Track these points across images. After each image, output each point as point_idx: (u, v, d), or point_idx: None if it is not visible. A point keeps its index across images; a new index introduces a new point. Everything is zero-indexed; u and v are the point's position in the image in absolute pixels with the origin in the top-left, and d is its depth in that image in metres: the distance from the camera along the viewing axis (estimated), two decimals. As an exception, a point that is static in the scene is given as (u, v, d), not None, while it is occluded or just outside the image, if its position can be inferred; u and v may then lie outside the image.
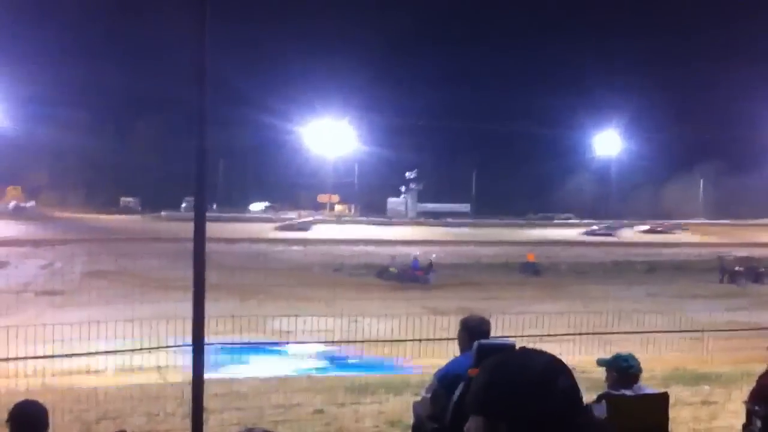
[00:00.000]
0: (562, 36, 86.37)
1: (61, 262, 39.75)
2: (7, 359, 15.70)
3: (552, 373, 1.61)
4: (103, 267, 37.39)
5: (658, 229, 70.85)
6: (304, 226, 63.43)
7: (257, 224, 62.98)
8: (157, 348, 14.50)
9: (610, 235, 67.44)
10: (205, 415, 7.00)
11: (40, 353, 15.11)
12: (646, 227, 71.36)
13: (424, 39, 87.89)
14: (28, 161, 67.61)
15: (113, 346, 14.96)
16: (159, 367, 14.67)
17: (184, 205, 60.19)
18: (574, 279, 39.81)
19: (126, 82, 67.80)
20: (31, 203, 64.76)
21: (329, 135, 73.09)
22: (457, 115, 77.45)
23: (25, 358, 14.79)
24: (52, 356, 15.09)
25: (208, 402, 7.30)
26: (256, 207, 77.13)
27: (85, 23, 72.57)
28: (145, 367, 15.05)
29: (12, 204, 63.66)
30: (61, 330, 16.57)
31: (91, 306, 25.92)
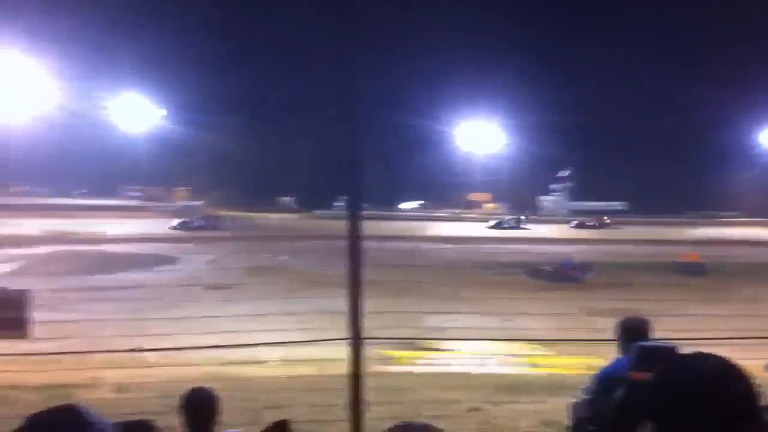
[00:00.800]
0: (721, 29, 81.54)
1: (226, 257, 41.94)
2: (179, 348, 16.81)
3: (723, 378, 1.58)
4: (265, 263, 39.10)
5: (589, 223, 66.96)
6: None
7: (411, 222, 63.81)
8: (318, 341, 15.01)
9: (516, 228, 64.08)
10: (366, 408, 7.23)
11: (210, 343, 16.06)
12: (577, 221, 67.84)
13: (576, 35, 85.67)
14: (195, 163, 71.71)
15: (277, 338, 15.64)
16: (319, 360, 15.20)
17: (337, 203, 61.93)
18: (741, 280, 37.56)
19: (283, 87, 70.67)
20: (198, 202, 68.62)
21: (479, 134, 72.86)
22: (610, 111, 74.97)
23: (196, 347, 15.75)
24: (221, 346, 15.99)
25: (365, 395, 7.52)
26: (408, 206, 78.09)
27: (242, 31, 76.12)
28: (307, 359, 15.63)
29: (181, 204, 67.76)
30: (228, 322, 17.56)
31: (255, 300, 27.21)
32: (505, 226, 64.87)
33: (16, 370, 12.79)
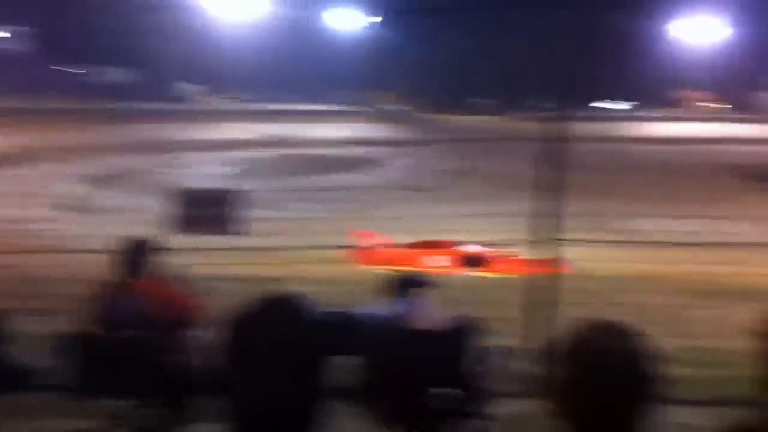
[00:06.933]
0: None
1: (426, 160, 42.27)
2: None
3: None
4: (463, 166, 38.79)
5: None
6: None
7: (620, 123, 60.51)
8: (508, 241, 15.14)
9: None
10: (551, 309, 7.35)
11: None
12: None
13: None
14: (402, 69, 72.16)
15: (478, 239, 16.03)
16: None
17: (544, 104, 59.62)
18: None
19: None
20: (403, 107, 69.41)
21: (698, 28, 67.23)
22: None
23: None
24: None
25: (556, 296, 7.62)
26: (613, 105, 74.34)
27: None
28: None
29: (386, 108, 68.88)
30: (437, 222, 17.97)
31: (456, 202, 27.51)
32: None
33: (229, 263, 13.65)
